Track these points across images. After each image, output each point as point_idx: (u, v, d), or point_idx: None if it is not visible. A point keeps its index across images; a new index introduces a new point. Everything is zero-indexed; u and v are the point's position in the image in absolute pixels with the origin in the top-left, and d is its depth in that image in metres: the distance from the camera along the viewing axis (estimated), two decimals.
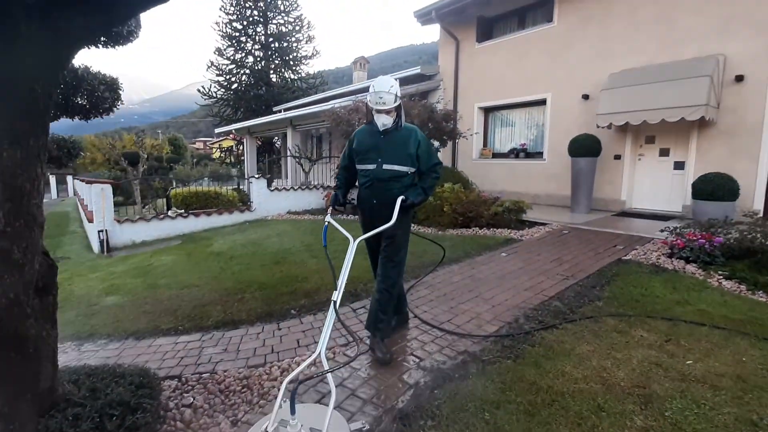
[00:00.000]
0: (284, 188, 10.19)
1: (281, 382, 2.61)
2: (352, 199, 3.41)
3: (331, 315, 2.11)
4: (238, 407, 2.39)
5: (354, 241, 2.46)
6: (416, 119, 7.95)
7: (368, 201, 2.88)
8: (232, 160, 27.29)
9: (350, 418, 2.21)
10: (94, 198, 6.93)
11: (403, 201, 2.67)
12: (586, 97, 8.86)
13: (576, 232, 6.52)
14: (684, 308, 3.38)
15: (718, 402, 2.16)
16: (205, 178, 13.23)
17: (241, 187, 11.86)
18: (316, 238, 6.47)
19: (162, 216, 7.66)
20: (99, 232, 6.89)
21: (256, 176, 9.48)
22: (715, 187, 6.42)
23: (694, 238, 4.66)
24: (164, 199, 9.25)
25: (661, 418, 2.05)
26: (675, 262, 4.65)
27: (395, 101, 2.75)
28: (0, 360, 1.71)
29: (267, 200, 9.38)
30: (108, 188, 6.99)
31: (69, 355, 3.20)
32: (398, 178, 2.79)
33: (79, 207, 13.49)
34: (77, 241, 9.36)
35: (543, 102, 9.83)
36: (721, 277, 4.06)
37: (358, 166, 2.90)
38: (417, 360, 2.79)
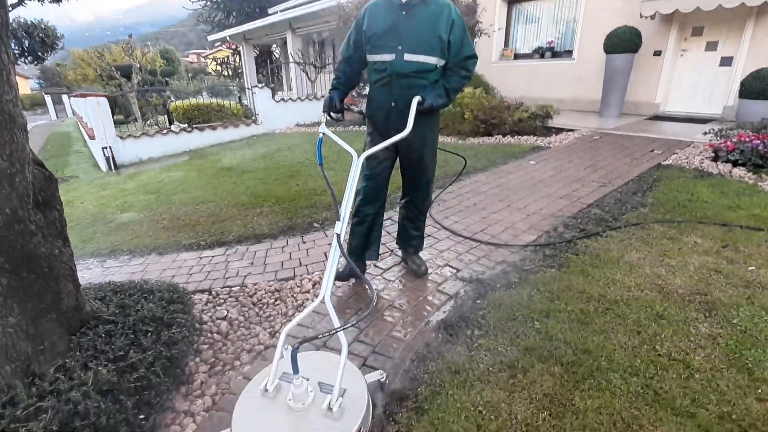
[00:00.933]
0: (290, 99, 9.54)
1: (314, 295, 2.53)
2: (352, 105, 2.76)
3: (335, 251, 1.67)
4: (273, 319, 2.32)
5: (358, 157, 1.90)
6: None
7: (384, 105, 2.20)
8: (230, 73, 25.66)
9: (390, 330, 2.12)
10: (91, 112, 6.50)
11: (419, 103, 2.02)
12: None
13: (608, 137, 6.07)
14: (737, 213, 3.14)
15: None
16: (203, 93, 12.41)
17: (243, 101, 11.18)
18: (330, 151, 6.11)
19: (165, 131, 7.26)
20: (103, 149, 6.58)
21: (259, 86, 8.80)
22: None
23: (747, 139, 4.24)
24: (165, 116, 8.74)
25: (729, 326, 1.91)
26: (720, 165, 4.30)
27: None
28: (15, 280, 1.55)
29: (273, 112, 8.82)
30: (104, 101, 6.51)
31: (93, 272, 3.14)
32: (425, 73, 2.09)
33: (80, 126, 13.01)
34: (83, 160, 9.11)
35: None
36: None
37: (370, 57, 2.17)
38: (454, 270, 2.65)
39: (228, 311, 2.41)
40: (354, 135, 7.31)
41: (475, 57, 2.20)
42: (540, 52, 9.55)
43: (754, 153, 4.09)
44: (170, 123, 8.28)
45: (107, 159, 6.65)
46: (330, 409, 1.36)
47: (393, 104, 2.16)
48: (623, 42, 7.27)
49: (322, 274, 2.76)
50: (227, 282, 2.77)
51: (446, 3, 2.09)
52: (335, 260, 1.65)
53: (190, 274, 2.91)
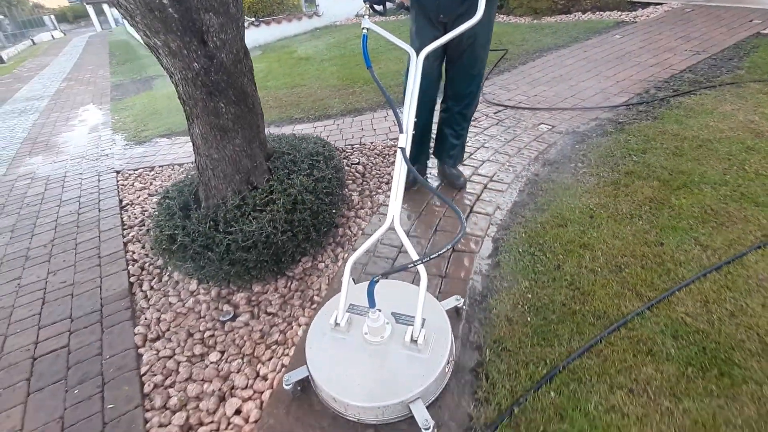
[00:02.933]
0: None
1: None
2: None
3: (401, 168, 1.42)
4: None
5: (417, 55, 1.59)
6: None
7: None
8: None
9: (490, 179, 2.55)
10: None
11: None
12: None
13: (701, 9, 5.59)
14: None
15: None
16: None
17: None
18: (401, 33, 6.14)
19: (258, 23, 7.45)
20: None
21: None
22: None
23: None
24: None
25: None
26: None
27: None
28: (238, 111, 2.07)
29: (333, 4, 8.63)
30: None
31: None
32: None
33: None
34: (155, 64, 9.58)
35: None
36: None
37: None
38: (549, 126, 2.97)
39: (359, 159, 2.94)
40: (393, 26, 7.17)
41: None
42: None
43: None
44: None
45: None
46: (414, 341, 1.27)
47: None
48: None
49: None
50: (347, 142, 3.26)
51: None
52: (402, 178, 1.42)
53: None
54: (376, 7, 1.94)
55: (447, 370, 1.30)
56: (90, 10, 33.41)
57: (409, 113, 1.48)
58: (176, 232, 2.01)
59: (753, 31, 4.40)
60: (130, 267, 2.23)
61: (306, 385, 1.38)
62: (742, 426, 1.09)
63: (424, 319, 1.29)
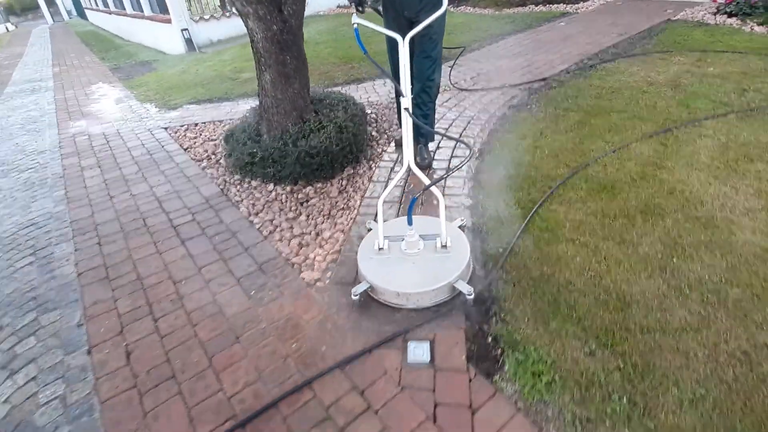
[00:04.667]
0: None
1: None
2: None
3: (407, 123, 1.88)
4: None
5: (404, 39, 1.88)
6: None
7: None
8: None
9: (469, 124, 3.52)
10: None
11: None
12: None
13: (629, 2, 6.85)
14: (715, 45, 4.31)
15: (722, 83, 3.35)
16: None
17: None
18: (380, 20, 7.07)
19: (228, 14, 8.07)
20: (182, 30, 7.54)
21: None
22: None
23: None
24: None
25: (684, 91, 3.29)
26: (718, 18, 5.29)
27: None
28: (296, 63, 2.89)
29: None
30: None
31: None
32: None
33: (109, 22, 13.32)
34: (141, 51, 9.92)
35: None
36: (755, 23, 4.80)
37: None
38: (512, 85, 3.97)
39: (371, 110, 3.83)
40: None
41: None
42: None
43: (745, 4, 5.06)
44: (222, 6, 8.95)
45: (187, 40, 7.64)
46: (444, 246, 1.79)
47: None
48: None
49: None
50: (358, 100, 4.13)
51: None
52: (410, 131, 1.89)
53: None
54: (361, 8, 2.49)
55: (470, 260, 1.82)
56: (41, 2, 31.94)
57: (405, 79, 1.87)
58: (255, 151, 2.84)
59: (665, 18, 5.64)
60: (214, 181, 3.02)
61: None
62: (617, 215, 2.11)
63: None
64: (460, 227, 2.06)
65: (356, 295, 1.75)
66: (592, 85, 3.64)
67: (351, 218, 2.41)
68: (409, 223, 1.79)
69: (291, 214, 2.54)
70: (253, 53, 2.91)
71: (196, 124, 4.12)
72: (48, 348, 1.78)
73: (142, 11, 9.41)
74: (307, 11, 9.52)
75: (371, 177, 2.83)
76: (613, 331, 1.53)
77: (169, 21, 7.72)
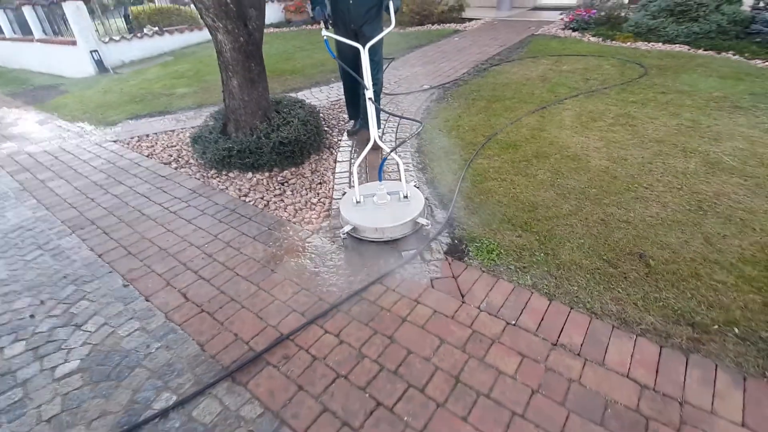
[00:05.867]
0: None
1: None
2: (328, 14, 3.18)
3: (371, 108, 2.51)
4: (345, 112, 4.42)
5: (365, 48, 2.50)
6: None
7: (344, 7, 3.08)
8: None
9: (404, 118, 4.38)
10: (73, 18, 7.02)
11: (395, 9, 2.92)
12: None
13: (503, 22, 8.48)
14: (566, 50, 5.79)
15: (573, 75, 4.67)
16: None
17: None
18: (304, 41, 7.71)
19: (141, 35, 7.98)
20: (91, 52, 7.28)
21: None
22: None
23: (580, 13, 6.90)
24: (122, 19, 9.03)
25: (549, 82, 4.52)
26: (566, 32, 6.96)
27: None
28: (258, 69, 3.41)
29: None
30: (82, 5, 7.04)
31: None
32: None
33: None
34: (31, 76, 9.13)
35: None
36: (590, 35, 6.49)
37: None
38: (429, 86, 4.92)
39: (320, 109, 4.44)
40: (308, 33, 8.84)
41: None
42: None
43: (582, 21, 6.78)
44: (129, 29, 8.79)
45: (97, 62, 7.40)
46: (406, 197, 2.44)
47: (350, 1, 3.03)
48: None
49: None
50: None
51: None
52: (374, 115, 2.55)
53: None
54: (323, 23, 3.07)
55: (425, 204, 2.51)
56: None
57: (367, 77, 2.52)
58: (231, 146, 3.30)
59: (530, 33, 7.19)
60: (192, 176, 3.37)
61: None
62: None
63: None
64: (415, 186, 2.80)
65: (344, 235, 2.34)
66: (488, 82, 4.74)
67: (330, 188, 3.02)
68: (380, 179, 2.43)
69: (277, 192, 3.05)
70: (219, 62, 3.37)
71: (148, 135, 4.32)
72: (105, 304, 2.09)
73: (32, 34, 8.76)
74: None
75: (335, 159, 3.46)
76: (529, 221, 2.39)
77: (73, 43, 7.41)
